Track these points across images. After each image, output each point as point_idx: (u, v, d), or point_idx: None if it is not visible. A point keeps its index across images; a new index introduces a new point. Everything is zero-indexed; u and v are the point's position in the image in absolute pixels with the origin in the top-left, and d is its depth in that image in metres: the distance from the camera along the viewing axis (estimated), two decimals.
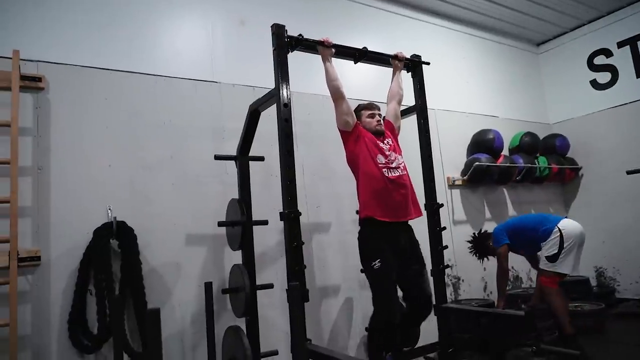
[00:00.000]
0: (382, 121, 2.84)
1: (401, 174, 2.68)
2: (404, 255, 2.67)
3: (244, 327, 2.76)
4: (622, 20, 5.21)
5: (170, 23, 3.22)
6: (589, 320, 4.03)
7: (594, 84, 5.47)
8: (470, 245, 4.04)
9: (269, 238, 3.27)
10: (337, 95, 2.62)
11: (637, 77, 5.07)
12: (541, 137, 5.30)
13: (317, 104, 3.69)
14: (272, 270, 3.26)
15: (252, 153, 2.99)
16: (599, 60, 5.43)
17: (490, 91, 5.29)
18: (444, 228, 2.99)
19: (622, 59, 5.20)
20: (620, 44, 5.22)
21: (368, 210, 2.59)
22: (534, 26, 5.49)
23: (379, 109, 2.83)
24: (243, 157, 2.90)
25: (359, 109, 2.81)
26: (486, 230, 4.05)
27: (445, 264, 2.95)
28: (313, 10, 3.94)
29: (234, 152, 3.01)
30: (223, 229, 2.97)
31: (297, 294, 1.97)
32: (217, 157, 2.87)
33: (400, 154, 2.79)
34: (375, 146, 2.67)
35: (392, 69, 3.04)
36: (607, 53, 5.35)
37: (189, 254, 2.97)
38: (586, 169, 5.47)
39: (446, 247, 2.96)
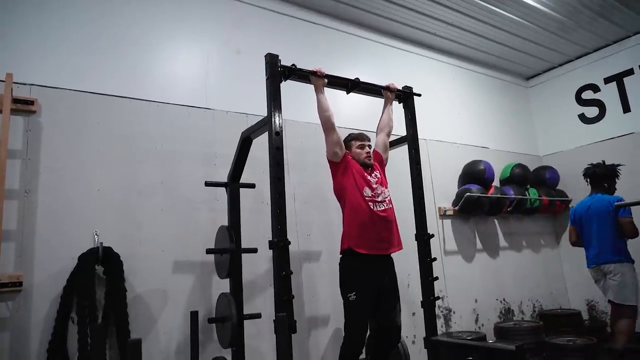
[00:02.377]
0: (371, 153, 2.85)
1: (387, 207, 2.69)
2: (381, 289, 2.67)
3: (229, 358, 2.69)
4: (608, 57, 5.36)
5: (166, 50, 3.26)
6: (581, 355, 3.97)
7: (582, 117, 5.57)
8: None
9: (258, 266, 3.23)
10: (327, 125, 2.64)
11: (624, 113, 5.17)
12: (531, 169, 5.36)
13: (310, 132, 3.71)
14: (261, 299, 3.21)
15: (243, 180, 2.99)
16: (587, 95, 5.55)
17: (481, 123, 5.37)
18: (435, 259, 2.97)
19: (609, 95, 5.32)
20: (607, 80, 5.35)
21: (350, 242, 2.60)
22: (523, 61, 5.63)
23: (369, 140, 2.85)
24: (234, 184, 2.90)
25: (350, 139, 2.83)
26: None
27: (436, 295, 2.92)
28: (307, 40, 4.02)
29: (225, 179, 3.00)
30: (211, 256, 2.94)
31: (284, 325, 1.93)
32: (207, 184, 2.86)
33: (386, 187, 2.80)
34: (362, 179, 2.68)
35: (383, 100, 3.09)
36: (595, 88, 5.48)
37: (176, 281, 2.91)
38: (576, 202, 5.49)
39: (436, 278, 2.93)
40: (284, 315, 1.93)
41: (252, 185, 3.01)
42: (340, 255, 2.72)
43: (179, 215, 3.02)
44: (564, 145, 5.73)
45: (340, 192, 2.70)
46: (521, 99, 6.08)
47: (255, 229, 3.24)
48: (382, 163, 2.88)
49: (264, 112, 2.60)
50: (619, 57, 5.26)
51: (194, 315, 2.52)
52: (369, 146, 2.82)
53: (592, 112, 5.48)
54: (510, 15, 4.50)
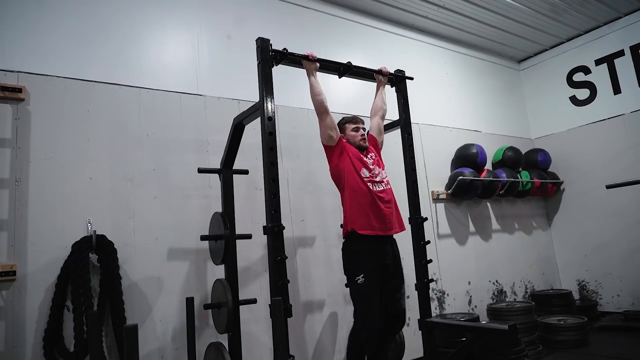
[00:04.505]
0: (366, 136, 2.85)
1: (385, 187, 2.69)
2: (387, 270, 2.67)
3: (226, 344, 2.71)
4: (599, 38, 5.37)
5: (155, 35, 3.21)
6: (573, 333, 4.05)
7: (574, 100, 5.59)
8: None
9: (252, 252, 3.24)
10: (321, 109, 2.63)
11: (615, 94, 5.20)
12: (523, 152, 5.39)
13: (302, 118, 3.70)
14: (256, 285, 3.22)
15: (236, 166, 2.98)
16: (578, 77, 5.56)
17: (473, 106, 5.37)
18: (428, 242, 3.00)
19: (600, 76, 5.34)
20: (598, 62, 5.36)
21: (354, 224, 2.59)
22: (515, 44, 5.62)
23: (363, 123, 2.85)
24: (227, 170, 2.88)
25: (343, 122, 2.82)
26: None
27: (430, 277, 2.95)
28: (298, 25, 3.98)
29: (218, 165, 2.99)
30: (206, 243, 2.94)
31: (280, 309, 1.95)
32: (200, 170, 2.85)
33: (383, 168, 2.80)
34: (359, 160, 2.68)
35: (375, 84, 3.08)
36: (586, 70, 5.49)
37: (170, 268, 2.92)
38: (567, 184, 5.57)
39: (430, 261, 2.96)
40: (280, 299, 1.95)
41: (246, 172, 3.00)
42: (343, 239, 2.72)
43: (172, 203, 3.01)
44: (555, 128, 5.76)
45: (337, 176, 2.69)
46: (513, 81, 6.08)
47: (249, 215, 3.24)
48: (377, 146, 2.88)
49: (255, 98, 2.59)
50: (610, 38, 5.27)
51: (189, 301, 2.53)
52: (363, 129, 2.82)
53: (583, 94, 5.50)
54: None
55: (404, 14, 4.63)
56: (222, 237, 2.69)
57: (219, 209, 2.92)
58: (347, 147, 2.72)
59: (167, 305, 2.85)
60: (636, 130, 4.96)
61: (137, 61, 3.08)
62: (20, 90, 2.57)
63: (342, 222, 2.72)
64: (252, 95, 3.31)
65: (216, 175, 3.05)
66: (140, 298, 2.77)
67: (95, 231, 2.58)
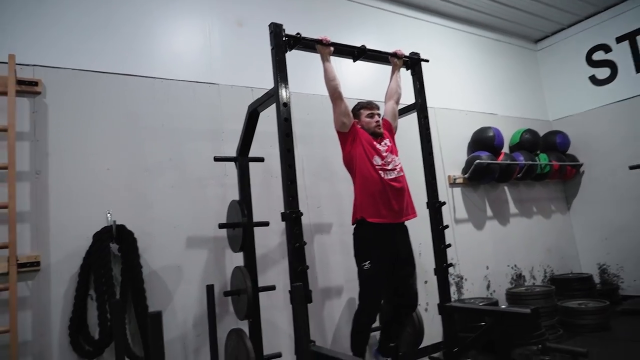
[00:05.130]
0: (380, 122, 2.80)
1: (397, 175, 2.67)
2: (397, 257, 2.67)
3: (246, 330, 2.74)
4: (620, 15, 5.19)
5: (167, 25, 3.20)
6: (594, 317, 4.00)
7: (593, 79, 5.45)
8: None
9: (270, 239, 3.25)
10: (335, 95, 2.60)
11: (637, 72, 5.04)
12: (541, 134, 5.28)
13: (316, 104, 3.67)
14: (274, 272, 3.24)
15: (251, 154, 2.98)
16: (598, 55, 5.41)
17: (488, 89, 5.27)
18: (447, 226, 2.97)
19: (621, 54, 5.17)
20: (619, 39, 5.19)
21: (362, 211, 2.59)
22: (531, 23, 5.48)
23: (378, 109, 2.81)
24: (243, 158, 2.88)
25: (358, 108, 2.78)
26: None
27: (449, 262, 2.92)
28: (311, 10, 3.93)
29: (233, 154, 2.99)
30: (224, 231, 2.95)
31: (301, 294, 1.95)
32: (216, 159, 2.85)
33: (397, 155, 2.77)
34: (372, 147, 2.65)
35: (390, 68, 3.03)
36: (606, 48, 5.33)
37: (189, 256, 2.94)
38: (587, 166, 5.45)
39: (449, 245, 2.94)
40: (300, 285, 1.95)
41: (261, 159, 3.00)
42: (353, 225, 2.72)
43: (189, 192, 3.02)
44: (574, 109, 5.62)
45: (349, 163, 2.67)
46: (529, 62, 5.94)
47: (265, 202, 3.25)
48: (391, 131, 2.84)
49: (269, 85, 2.57)
50: (632, 14, 5.08)
51: (210, 288, 2.55)
52: (378, 115, 2.78)
53: (603, 73, 5.35)
54: None
55: None
56: (240, 225, 2.70)
57: (236, 198, 2.93)
58: (360, 133, 2.69)
59: (188, 293, 2.89)
60: None
61: (150, 51, 3.08)
62: (36, 83, 2.59)
63: (352, 210, 2.71)
64: (266, 82, 3.30)
65: (232, 164, 3.06)
66: (160, 286, 2.81)
67: (115, 221, 2.60)
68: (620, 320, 4.29)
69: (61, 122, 2.67)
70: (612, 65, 5.27)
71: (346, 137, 2.65)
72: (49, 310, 2.47)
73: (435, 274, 2.95)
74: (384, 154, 2.65)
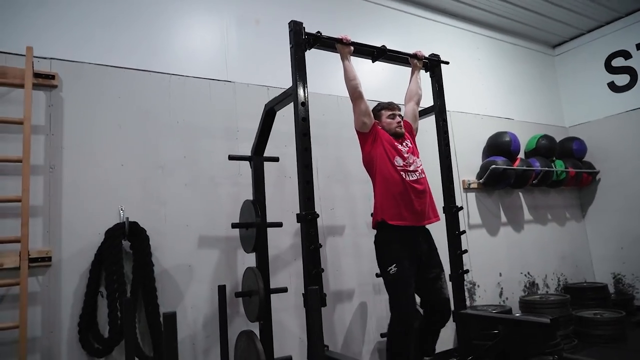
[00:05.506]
0: (401, 122, 2.75)
1: (419, 177, 2.60)
2: (422, 260, 2.58)
3: (256, 332, 2.69)
4: None
5: (184, 21, 3.18)
6: (609, 328, 3.92)
7: (612, 86, 5.35)
8: None
9: (282, 241, 3.21)
10: (355, 94, 2.54)
11: None
12: (557, 140, 5.19)
13: (332, 105, 3.63)
14: (286, 274, 3.19)
15: (265, 154, 2.93)
16: (617, 62, 5.31)
17: (505, 93, 5.19)
18: (464, 232, 2.91)
19: None
20: None
21: (383, 214, 2.51)
22: (550, 28, 5.39)
23: (399, 109, 2.75)
24: (258, 158, 2.84)
25: (379, 109, 2.73)
26: None
27: (465, 269, 2.86)
28: (328, 9, 3.88)
29: (247, 153, 2.95)
30: (236, 231, 2.91)
31: (316, 298, 1.90)
32: (231, 158, 2.82)
33: (418, 157, 2.70)
34: (393, 148, 2.58)
35: (408, 70, 2.98)
36: (626, 55, 5.23)
37: (201, 256, 2.91)
38: (603, 174, 5.35)
39: (465, 251, 2.87)
40: (316, 288, 1.90)
41: (276, 159, 2.96)
42: (375, 229, 2.64)
43: (203, 190, 2.99)
44: (591, 116, 5.53)
45: (370, 163, 2.61)
46: (547, 68, 5.85)
47: (278, 203, 3.21)
48: (412, 133, 2.78)
49: (285, 85, 2.53)
50: None
51: (221, 289, 2.51)
52: (400, 116, 2.72)
53: (622, 80, 5.26)
54: None
55: None
56: (254, 225, 2.66)
57: (249, 197, 2.89)
58: (381, 133, 2.63)
59: (198, 293, 2.85)
60: None
61: (166, 47, 3.05)
62: (53, 77, 2.57)
63: (372, 212, 2.65)
64: (282, 82, 3.29)
65: (246, 163, 3.02)
66: (171, 285, 2.77)
67: (127, 218, 2.58)
68: (637, 331, 4.19)
69: (77, 117, 2.64)
70: (632, 71, 5.18)
71: (366, 137, 2.59)
72: (59, 307, 2.45)
73: (450, 280, 2.88)
74: (406, 155, 2.59)
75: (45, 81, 2.54)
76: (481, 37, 5.11)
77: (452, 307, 2.81)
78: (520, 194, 4.95)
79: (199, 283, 2.86)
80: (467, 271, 2.89)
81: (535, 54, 5.72)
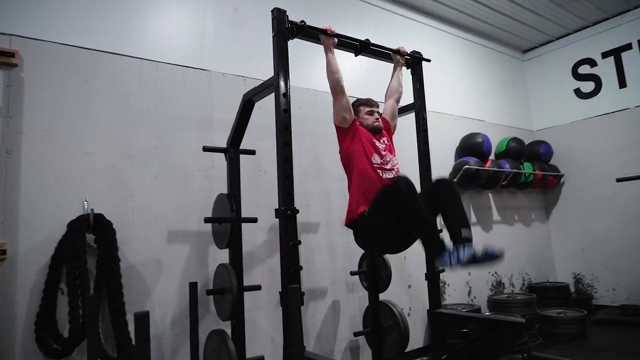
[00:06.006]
0: (379, 119, 2.70)
1: (395, 176, 2.56)
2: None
3: (228, 331, 2.59)
4: (607, 31, 5.29)
5: (159, 4, 3.01)
6: (572, 326, 4.03)
7: (578, 92, 5.53)
8: None
9: (256, 236, 3.11)
10: (337, 88, 2.47)
11: (620, 88, 5.15)
12: (526, 143, 5.31)
13: (309, 99, 3.56)
14: (259, 271, 3.10)
15: (240, 146, 2.82)
16: (584, 69, 5.49)
17: (477, 95, 5.27)
18: (441, 230, 2.89)
19: (606, 69, 5.27)
20: (605, 55, 5.29)
21: (363, 206, 2.41)
22: (521, 32, 5.51)
23: (377, 106, 2.70)
24: (234, 150, 2.73)
25: (358, 104, 2.66)
26: None
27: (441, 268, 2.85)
28: (308, 1, 3.79)
29: (222, 144, 2.83)
30: (208, 226, 2.79)
31: (296, 296, 1.83)
32: (205, 149, 2.69)
33: (394, 155, 2.65)
34: (371, 145, 2.52)
35: (386, 67, 2.93)
36: (592, 63, 5.42)
37: (170, 251, 2.77)
38: (567, 177, 5.53)
39: None
40: (297, 286, 1.82)
41: (253, 152, 2.85)
42: (351, 227, 2.52)
43: (174, 182, 2.85)
44: (557, 120, 5.70)
45: (347, 159, 2.54)
46: (517, 72, 5.99)
47: (253, 197, 3.10)
48: (389, 130, 2.73)
49: (262, 76, 2.44)
50: (618, 31, 5.20)
51: (193, 286, 2.40)
52: (378, 112, 2.67)
53: (588, 87, 5.44)
54: None
55: None
56: (228, 220, 2.55)
57: (222, 191, 2.77)
58: (360, 130, 2.57)
59: (167, 290, 2.72)
60: None
61: (139, 30, 2.89)
62: (12, 54, 2.37)
63: (347, 209, 2.53)
64: (259, 73, 3.19)
65: (220, 155, 2.90)
66: (138, 282, 2.63)
67: (93, 209, 2.41)
68: (595, 329, 4.35)
69: (39, 99, 2.45)
70: (596, 79, 5.36)
71: (345, 133, 2.52)
72: (13, 304, 2.26)
73: (425, 279, 2.88)
74: (383, 153, 2.54)
75: (3, 59, 2.33)
76: (457, 39, 5.16)
77: (428, 306, 2.81)
78: (490, 194, 5.03)
79: (167, 280, 2.73)
80: (442, 270, 2.88)
81: (506, 58, 5.84)
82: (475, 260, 2.05)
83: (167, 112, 2.89)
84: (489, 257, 2.05)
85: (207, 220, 2.63)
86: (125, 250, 2.58)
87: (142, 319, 1.38)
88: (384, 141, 2.64)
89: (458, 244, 2.14)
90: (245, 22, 3.34)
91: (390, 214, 2.22)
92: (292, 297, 1.78)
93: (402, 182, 2.16)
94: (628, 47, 5.10)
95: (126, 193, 2.66)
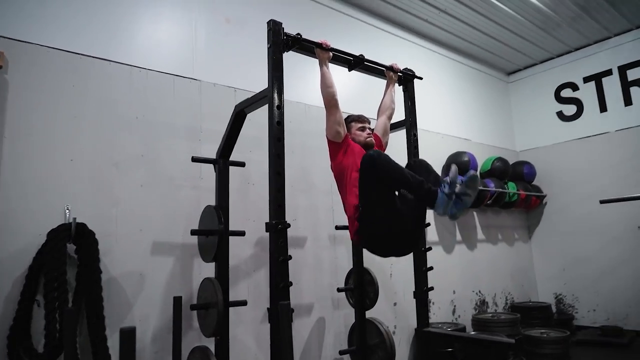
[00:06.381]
0: (371, 134, 2.69)
1: None
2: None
3: (211, 348, 2.50)
4: (589, 56, 5.45)
5: (150, 11, 2.97)
6: (555, 347, 4.04)
7: (560, 115, 5.66)
8: None
9: (241, 250, 3.04)
10: (331, 102, 2.45)
11: (601, 112, 5.28)
12: (510, 163, 5.38)
13: (299, 113, 3.54)
14: (244, 286, 3.03)
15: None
16: (566, 93, 5.63)
17: (464, 114, 5.34)
18: (430, 248, 2.89)
19: (588, 94, 5.42)
20: (586, 79, 5.44)
21: (356, 202, 2.35)
22: (507, 55, 5.63)
23: (369, 123, 2.69)
24: (223, 161, 2.68)
25: (349, 121, 2.65)
26: None
27: (430, 286, 2.83)
28: (300, 16, 3.80)
29: (210, 155, 2.78)
30: (193, 238, 2.72)
31: (287, 313, 1.77)
32: (195, 159, 2.63)
33: None
34: None
35: (377, 83, 2.94)
36: (574, 87, 5.56)
37: (154, 263, 2.68)
38: (550, 197, 5.61)
39: (431, 268, 2.85)
40: (288, 302, 1.77)
41: (242, 164, 2.80)
42: (356, 237, 2.43)
43: (160, 193, 2.77)
44: (540, 142, 5.81)
45: (340, 174, 2.51)
46: (501, 93, 6.11)
47: (240, 210, 3.04)
48: (381, 147, 2.72)
49: (253, 88, 2.41)
50: (599, 57, 5.36)
51: (177, 301, 2.31)
52: (370, 128, 2.66)
53: (570, 110, 5.57)
54: (501, 5, 4.45)
55: (406, 15, 4.54)
56: (216, 233, 2.49)
57: (210, 202, 2.72)
58: (352, 145, 2.55)
59: (149, 304, 2.62)
60: (620, 148, 5.05)
61: (130, 37, 2.84)
62: None
63: (349, 215, 2.46)
64: (250, 84, 3.16)
65: (208, 166, 2.85)
66: (119, 295, 2.53)
67: (75, 218, 2.32)
68: (577, 350, 4.37)
69: (22, 103, 2.36)
70: (578, 103, 5.50)
71: (339, 147, 2.49)
72: None
73: (414, 297, 2.85)
74: None
75: None
76: (445, 59, 5.24)
77: (416, 326, 2.78)
78: (475, 213, 5.06)
79: (150, 293, 2.63)
80: (431, 288, 2.86)
81: (492, 80, 5.95)
82: (466, 185, 2.08)
83: (156, 121, 2.83)
84: (472, 179, 2.10)
85: (193, 232, 2.56)
86: (107, 262, 2.49)
87: (128, 334, 1.31)
88: None
89: (441, 185, 2.15)
90: (237, 33, 3.33)
91: (378, 189, 2.22)
92: (282, 314, 1.72)
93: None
94: (608, 72, 5.26)
95: (110, 202, 2.57)
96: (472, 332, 3.91)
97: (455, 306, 4.51)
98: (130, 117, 2.73)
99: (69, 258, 2.32)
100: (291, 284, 2.10)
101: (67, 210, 2.39)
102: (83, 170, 2.51)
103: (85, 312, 2.31)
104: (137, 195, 2.68)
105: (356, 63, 2.70)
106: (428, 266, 2.88)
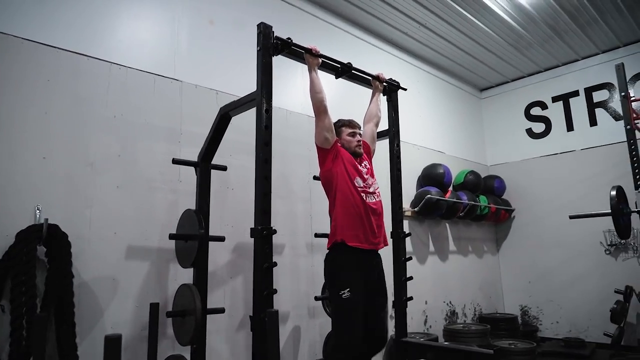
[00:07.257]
0: (361, 142, 2.68)
1: (377, 199, 2.55)
2: (372, 286, 2.50)
3: (187, 357, 2.42)
4: (557, 77, 5.68)
5: (131, 6, 2.88)
6: (523, 358, 4.13)
7: (530, 132, 5.86)
8: None
9: (219, 256, 2.96)
10: (320, 108, 2.44)
11: (568, 131, 5.50)
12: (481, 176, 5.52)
13: (280, 119, 3.49)
14: (220, 293, 2.95)
15: None
16: (535, 111, 5.84)
17: (439, 127, 5.44)
18: (410, 258, 2.90)
19: (556, 113, 5.64)
20: (555, 99, 5.66)
21: (343, 234, 2.39)
22: (481, 72, 5.80)
23: (360, 128, 2.70)
24: (205, 164, 2.61)
25: (339, 125, 2.64)
26: None
27: (410, 296, 2.84)
28: (283, 20, 3.77)
29: (190, 158, 2.71)
30: (170, 243, 2.63)
31: (275, 322, 1.73)
32: (175, 161, 2.55)
33: (375, 179, 2.65)
34: (354, 168, 2.50)
35: (359, 93, 2.96)
36: (543, 105, 5.78)
37: (128, 268, 2.57)
38: (518, 212, 5.78)
39: (410, 278, 2.87)
40: (276, 310, 1.73)
41: (224, 168, 2.75)
42: (328, 249, 2.50)
43: (137, 195, 2.67)
44: (510, 157, 5.99)
45: (329, 181, 2.49)
46: (474, 108, 6.27)
47: (218, 215, 2.96)
48: (370, 154, 2.73)
49: (235, 91, 2.38)
50: (567, 78, 5.59)
51: (154, 307, 2.22)
52: (360, 135, 2.66)
53: (539, 127, 5.78)
54: (478, 22, 4.57)
55: (386, 27, 4.60)
56: (196, 238, 2.41)
57: (188, 206, 2.64)
58: (342, 152, 2.54)
59: (121, 311, 2.51)
60: (585, 166, 5.26)
61: (110, 32, 2.74)
62: None
63: (330, 232, 2.51)
64: (233, 87, 3.12)
65: (187, 169, 2.78)
66: (90, 300, 2.41)
67: (47, 219, 2.20)
68: None
69: None
70: (547, 121, 5.71)
71: (327, 153, 2.48)
72: None
73: (393, 307, 2.85)
74: (365, 176, 2.52)
75: None
76: (422, 72, 5.34)
77: (395, 336, 2.77)
78: (447, 225, 5.15)
79: (123, 299, 2.52)
80: (410, 298, 2.87)
81: (465, 95, 6.11)
82: None
83: (134, 121, 2.74)
84: None
85: (172, 236, 2.47)
86: (78, 266, 2.37)
87: (114, 343, 1.24)
88: (365, 165, 2.63)
89: None
90: (220, 36, 3.27)
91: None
92: (271, 322, 1.68)
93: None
94: (576, 93, 5.49)
95: (84, 203, 2.46)
96: (445, 343, 3.94)
97: (427, 316, 4.55)
98: (108, 115, 2.63)
99: (38, 261, 2.20)
100: (275, 291, 2.05)
101: (38, 211, 2.27)
102: (56, 169, 2.39)
103: (55, 319, 2.19)
104: (113, 196, 2.57)
105: (344, 71, 2.70)
106: (408, 276, 2.88)
